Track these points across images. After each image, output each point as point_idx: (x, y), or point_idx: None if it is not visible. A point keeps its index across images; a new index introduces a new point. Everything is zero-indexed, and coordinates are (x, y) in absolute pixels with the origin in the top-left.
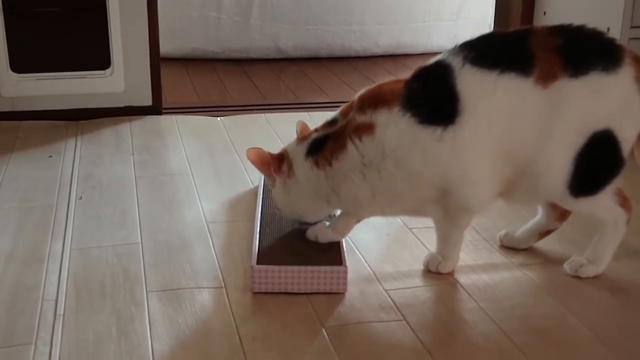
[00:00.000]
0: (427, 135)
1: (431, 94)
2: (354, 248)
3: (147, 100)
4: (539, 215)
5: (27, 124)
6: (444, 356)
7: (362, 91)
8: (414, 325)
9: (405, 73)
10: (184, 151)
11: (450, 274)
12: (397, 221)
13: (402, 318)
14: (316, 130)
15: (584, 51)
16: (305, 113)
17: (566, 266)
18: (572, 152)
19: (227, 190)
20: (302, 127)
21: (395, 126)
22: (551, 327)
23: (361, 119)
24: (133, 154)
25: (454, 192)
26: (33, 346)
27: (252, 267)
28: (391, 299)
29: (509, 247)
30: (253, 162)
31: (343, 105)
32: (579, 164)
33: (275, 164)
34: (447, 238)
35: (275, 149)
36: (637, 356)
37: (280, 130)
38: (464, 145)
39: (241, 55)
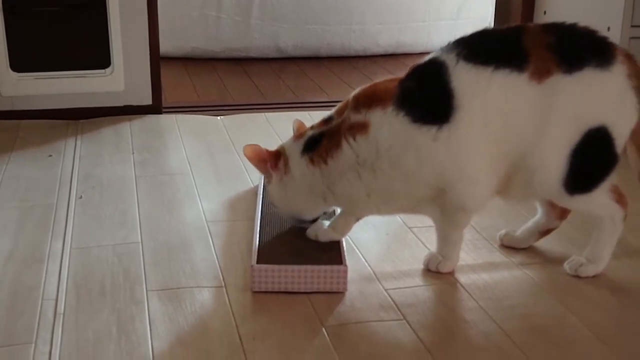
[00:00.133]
0: (421, 134)
1: (425, 92)
2: (354, 247)
3: (147, 100)
4: (538, 214)
5: (27, 123)
6: (444, 355)
7: (357, 90)
8: (414, 324)
9: (405, 73)
10: (184, 150)
11: (451, 273)
12: (397, 220)
13: (402, 317)
14: (312, 127)
15: (578, 48)
16: (305, 112)
17: (566, 266)
18: (567, 149)
19: (227, 190)
20: (299, 125)
21: (389, 126)
22: (551, 327)
23: (356, 118)
24: (133, 153)
25: (450, 191)
26: (33, 345)
27: (252, 266)
28: (391, 298)
29: (509, 246)
30: (250, 159)
31: (339, 104)
32: (574, 160)
33: (271, 161)
34: (447, 237)
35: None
36: (637, 356)
37: (280, 130)
38: (460, 143)
39: (241, 55)
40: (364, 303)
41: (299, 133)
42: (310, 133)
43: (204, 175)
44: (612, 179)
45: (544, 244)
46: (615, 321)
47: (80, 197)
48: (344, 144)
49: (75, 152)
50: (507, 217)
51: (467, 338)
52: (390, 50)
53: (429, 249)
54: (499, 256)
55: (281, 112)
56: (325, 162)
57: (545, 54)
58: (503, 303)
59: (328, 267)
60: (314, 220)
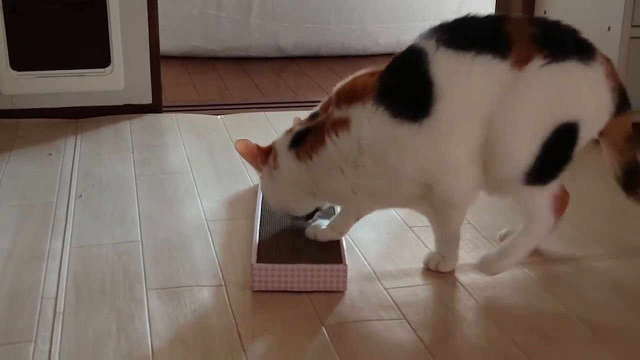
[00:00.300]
0: (402, 129)
1: (404, 84)
2: (354, 246)
3: (147, 99)
4: None
5: (26, 122)
6: (443, 355)
7: (338, 85)
8: (413, 323)
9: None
10: (184, 149)
11: (450, 272)
12: (398, 219)
13: (402, 316)
14: (300, 123)
15: (562, 41)
16: (305, 111)
17: (478, 265)
18: (538, 139)
19: (227, 189)
20: (298, 122)
21: (368, 121)
22: (551, 326)
23: (337, 114)
24: (133, 152)
25: (436, 186)
26: (33, 344)
27: (252, 265)
28: (391, 297)
29: None
30: (241, 154)
31: (324, 99)
32: (542, 152)
33: (262, 156)
34: (442, 236)
35: None
36: (637, 356)
37: (280, 129)
38: (442, 134)
39: (241, 54)
40: (364, 302)
41: (290, 129)
42: (297, 128)
43: (204, 174)
44: (561, 182)
45: (544, 243)
46: (615, 321)
47: (80, 196)
48: (327, 140)
49: (75, 151)
50: (507, 215)
51: (466, 337)
52: (390, 50)
53: (429, 248)
54: None
55: (281, 112)
56: (310, 158)
57: (529, 44)
58: (503, 302)
59: (328, 266)
60: (309, 217)
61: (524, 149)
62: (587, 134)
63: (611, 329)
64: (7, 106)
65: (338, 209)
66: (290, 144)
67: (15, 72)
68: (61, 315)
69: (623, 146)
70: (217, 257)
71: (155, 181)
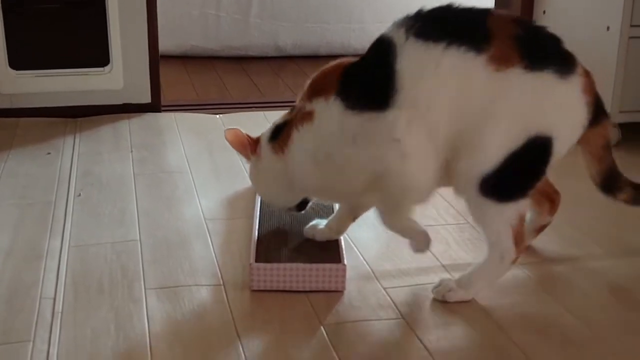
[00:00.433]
0: (361, 122)
1: (367, 77)
2: (353, 246)
3: (146, 98)
4: (529, 213)
5: (25, 121)
6: (442, 354)
7: (312, 76)
8: (412, 323)
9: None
10: (183, 149)
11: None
12: None
13: (400, 316)
14: (283, 116)
15: (543, 49)
16: None
17: (433, 290)
18: (505, 148)
19: (225, 188)
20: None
21: (329, 113)
22: (550, 326)
23: (306, 106)
24: (132, 151)
25: (389, 177)
26: (31, 344)
27: (250, 264)
28: (390, 297)
29: None
30: (231, 143)
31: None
32: (507, 162)
33: (252, 146)
34: (390, 228)
35: None
36: (636, 356)
37: None
38: (401, 128)
39: (240, 53)
40: (363, 302)
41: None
42: (277, 121)
43: (203, 173)
44: (524, 209)
45: (542, 243)
46: (615, 321)
47: (79, 195)
48: (294, 133)
49: (73, 150)
50: None
51: (465, 336)
52: None
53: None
54: None
55: (280, 111)
56: (283, 151)
57: (509, 43)
58: (502, 302)
59: (327, 266)
60: (300, 209)
61: (488, 151)
62: (560, 148)
63: (610, 328)
64: (6, 105)
65: (337, 206)
66: (270, 137)
67: (14, 71)
68: (60, 314)
69: (601, 154)
70: (215, 256)
71: (154, 180)
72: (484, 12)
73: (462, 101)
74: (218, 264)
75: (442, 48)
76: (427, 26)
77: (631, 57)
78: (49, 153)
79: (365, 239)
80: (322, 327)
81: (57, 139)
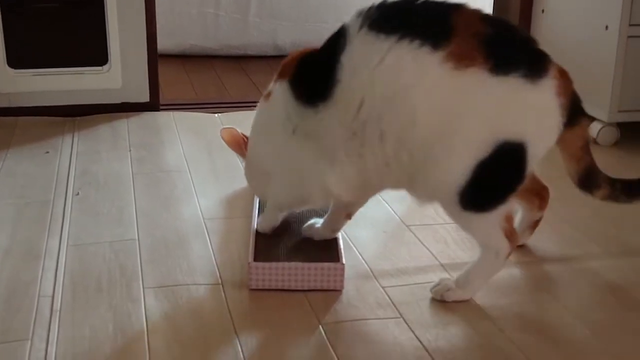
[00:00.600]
0: (300, 111)
1: (316, 65)
2: (351, 245)
3: (145, 97)
4: (519, 212)
5: (23, 120)
6: (440, 354)
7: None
8: (410, 322)
9: None
10: (182, 148)
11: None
12: (395, 218)
13: (399, 315)
14: None
15: (511, 50)
16: None
17: (432, 289)
18: (474, 157)
19: (224, 187)
20: None
21: (280, 98)
22: (549, 325)
23: (270, 87)
24: (130, 150)
25: (310, 170)
26: (29, 342)
27: (249, 263)
28: (388, 296)
29: None
30: (227, 142)
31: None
32: (479, 172)
33: (247, 145)
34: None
35: None
36: (636, 356)
37: None
38: (331, 123)
39: (239, 52)
40: (361, 301)
41: None
42: None
43: (202, 172)
44: (510, 207)
45: (542, 242)
46: (614, 321)
47: (77, 194)
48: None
49: (72, 149)
50: None
51: (464, 336)
52: None
53: (426, 246)
54: None
55: None
56: None
57: (472, 42)
58: (501, 301)
59: (325, 265)
60: None
61: (453, 160)
62: (535, 153)
63: (609, 328)
64: (4, 104)
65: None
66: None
67: (12, 70)
68: (58, 313)
69: (580, 155)
70: (214, 255)
71: (152, 179)
72: (451, 7)
73: (414, 100)
74: (216, 263)
75: (392, 41)
76: (384, 17)
77: (630, 56)
78: (47, 152)
79: (363, 238)
80: (320, 326)
81: (55, 138)
